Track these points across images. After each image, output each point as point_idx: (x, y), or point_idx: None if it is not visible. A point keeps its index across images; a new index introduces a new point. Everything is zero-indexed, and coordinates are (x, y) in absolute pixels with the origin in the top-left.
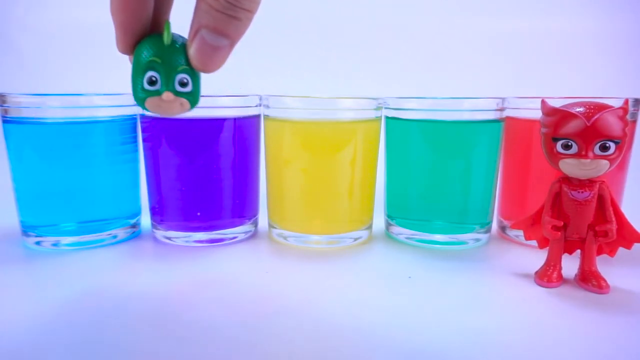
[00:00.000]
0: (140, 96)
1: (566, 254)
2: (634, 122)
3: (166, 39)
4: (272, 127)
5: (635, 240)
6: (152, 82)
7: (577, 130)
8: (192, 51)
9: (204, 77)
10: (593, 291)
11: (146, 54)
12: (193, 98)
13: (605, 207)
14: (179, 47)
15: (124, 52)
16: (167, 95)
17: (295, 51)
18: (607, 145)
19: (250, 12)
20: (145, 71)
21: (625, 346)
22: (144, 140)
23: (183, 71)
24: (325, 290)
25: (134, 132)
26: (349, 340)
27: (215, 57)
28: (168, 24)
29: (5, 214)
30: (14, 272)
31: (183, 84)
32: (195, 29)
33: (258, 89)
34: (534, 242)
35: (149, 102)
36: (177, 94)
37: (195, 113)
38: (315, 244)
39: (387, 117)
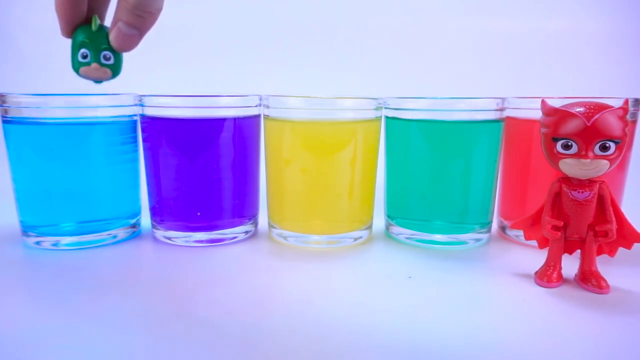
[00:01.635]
0: (76, 66)
1: (566, 254)
2: (634, 122)
3: (93, 27)
4: (272, 127)
5: (635, 240)
6: (84, 57)
7: (577, 130)
8: (111, 36)
9: (203, 78)
10: (593, 291)
11: (80, 36)
12: (114, 68)
13: (605, 207)
14: (103, 33)
15: (66, 36)
16: (95, 66)
17: (295, 51)
18: (607, 145)
19: (152, 13)
20: (79, 48)
21: (625, 346)
22: (144, 140)
23: (106, 49)
24: (325, 290)
25: (134, 132)
26: (349, 340)
27: (128, 41)
28: (95, 17)
29: (5, 214)
30: (14, 272)
31: (106, 58)
32: (115, 21)
33: (258, 89)
34: (534, 242)
35: (82, 69)
36: (102, 65)
37: (196, 113)
38: (315, 244)
39: (387, 117)
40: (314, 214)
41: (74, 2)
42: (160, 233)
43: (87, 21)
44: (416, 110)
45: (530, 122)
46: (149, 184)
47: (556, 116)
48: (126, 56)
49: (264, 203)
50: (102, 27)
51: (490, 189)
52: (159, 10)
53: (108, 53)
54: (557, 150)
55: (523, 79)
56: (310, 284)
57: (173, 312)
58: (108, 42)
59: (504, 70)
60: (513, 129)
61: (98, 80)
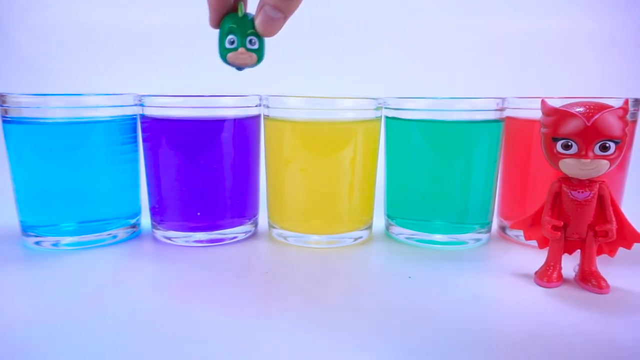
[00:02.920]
0: (224, 53)
1: (566, 254)
2: (634, 122)
3: (240, 13)
4: (272, 127)
5: (635, 240)
6: (231, 42)
7: (577, 130)
8: (257, 21)
9: (203, 78)
10: (593, 291)
11: (228, 23)
12: (259, 53)
13: (605, 207)
14: (249, 19)
15: (214, 27)
16: (241, 50)
17: (295, 51)
18: (607, 145)
19: None
20: (227, 35)
21: (625, 346)
22: (144, 140)
23: (251, 34)
24: (325, 290)
25: (134, 132)
26: (348, 340)
27: (273, 25)
28: (241, 4)
29: (5, 214)
30: (14, 272)
31: (252, 43)
32: (261, 5)
33: (258, 89)
34: (534, 242)
35: (230, 56)
36: (248, 49)
37: (196, 113)
38: (315, 244)
39: (387, 117)
40: (314, 214)
41: None
42: (160, 233)
43: (233, 10)
44: (416, 110)
45: (530, 122)
46: (149, 184)
47: (556, 116)
48: (126, 56)
49: (264, 203)
50: (246, 14)
51: (490, 189)
52: None
53: (254, 38)
54: (557, 150)
55: (523, 79)
56: (310, 284)
57: (173, 312)
58: (253, 27)
59: (504, 70)
60: (513, 129)
61: (241, 67)
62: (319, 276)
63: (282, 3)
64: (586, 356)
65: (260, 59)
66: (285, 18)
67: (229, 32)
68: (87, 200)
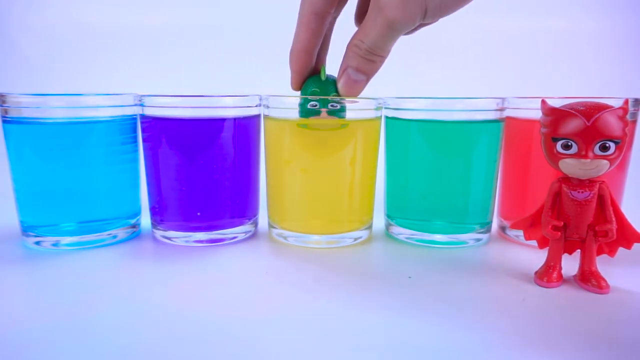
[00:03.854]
0: (307, 116)
1: (566, 254)
2: (634, 122)
3: (322, 76)
4: (272, 127)
5: (635, 240)
6: (313, 106)
7: (577, 130)
8: (340, 84)
9: (203, 78)
10: (593, 291)
11: (311, 87)
12: (341, 115)
13: (605, 207)
14: (330, 81)
15: (296, 89)
16: (324, 115)
17: None
18: (607, 145)
19: (383, 57)
20: (309, 100)
21: (625, 346)
22: (144, 140)
23: (333, 97)
24: (325, 290)
25: (134, 132)
26: (349, 340)
27: (356, 88)
28: (324, 67)
29: (5, 214)
30: (14, 272)
31: (334, 106)
32: (343, 68)
33: (258, 89)
34: (534, 242)
35: (312, 119)
36: (329, 113)
37: (196, 113)
38: (315, 244)
39: (387, 117)
40: (314, 214)
41: (311, 55)
42: (160, 233)
43: (314, 72)
44: (416, 110)
45: (530, 122)
46: (149, 184)
47: (556, 116)
48: (126, 56)
49: (264, 203)
50: (328, 77)
51: (490, 189)
52: (389, 53)
53: (335, 102)
54: (557, 150)
55: (523, 79)
56: (310, 284)
57: (173, 312)
58: (335, 90)
59: (504, 70)
60: (513, 129)
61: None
62: (319, 276)
63: (365, 66)
64: (586, 356)
65: (342, 119)
66: (368, 80)
67: (312, 96)
68: (87, 200)
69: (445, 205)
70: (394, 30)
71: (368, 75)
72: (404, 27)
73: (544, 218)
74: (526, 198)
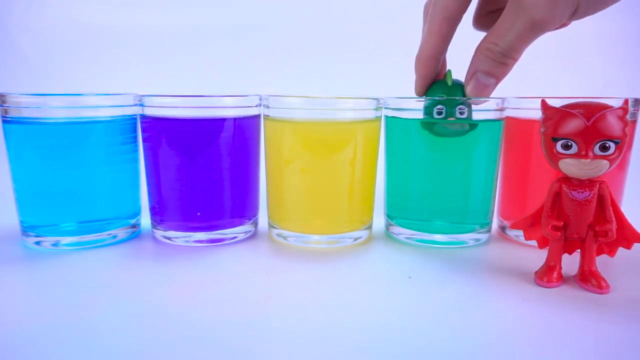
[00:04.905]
0: (432, 122)
1: (566, 254)
2: (634, 122)
3: (449, 82)
4: (272, 127)
5: (635, 240)
6: (439, 113)
7: (577, 130)
8: (469, 89)
9: (203, 78)
10: (593, 291)
11: (438, 92)
12: (469, 121)
13: (605, 207)
14: (457, 86)
15: (420, 94)
16: (450, 122)
17: (295, 51)
18: (607, 145)
19: (515, 60)
20: (436, 104)
21: (625, 346)
22: (144, 140)
23: (461, 103)
24: (325, 290)
25: (134, 132)
26: (349, 340)
27: (485, 92)
28: (449, 72)
29: (5, 214)
30: (14, 272)
31: (461, 112)
32: (472, 72)
33: (258, 89)
34: (534, 242)
35: (438, 127)
36: (457, 120)
37: (196, 113)
38: (315, 244)
39: (387, 117)
40: (314, 214)
41: (438, 61)
42: (160, 233)
43: (439, 77)
44: (416, 110)
45: (530, 122)
46: (149, 184)
47: (556, 116)
48: (126, 56)
49: (264, 203)
50: (454, 81)
51: (490, 189)
52: (520, 55)
53: (463, 107)
54: (557, 150)
55: (523, 79)
56: (310, 284)
57: (173, 312)
58: (462, 95)
59: None
60: (513, 129)
61: (452, 132)
62: (319, 276)
63: (497, 69)
64: (586, 356)
65: (470, 126)
66: (497, 83)
67: (438, 102)
68: (87, 200)
69: (445, 205)
70: (537, 31)
71: (498, 78)
72: (549, 28)
73: (544, 218)
74: (526, 198)
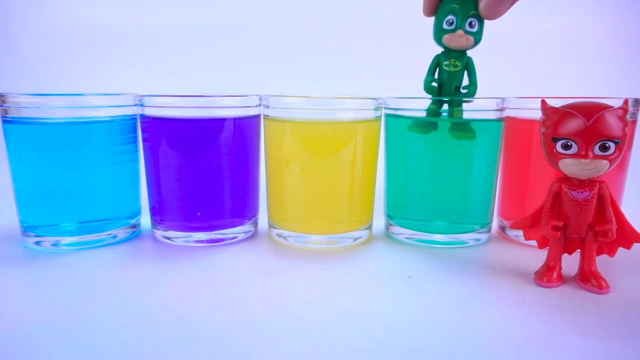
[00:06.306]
0: (439, 35)
1: (566, 254)
2: (634, 122)
3: None
4: (272, 127)
5: (635, 240)
6: (450, 24)
7: (577, 130)
8: (483, 3)
9: (203, 78)
10: (593, 291)
11: (450, 3)
12: (477, 36)
13: (605, 207)
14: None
15: (429, 14)
16: (460, 32)
17: (295, 51)
18: (607, 145)
19: None
20: (446, 15)
21: (625, 346)
22: (144, 140)
23: (472, 16)
24: (325, 290)
25: (134, 132)
26: (349, 340)
27: (499, 8)
28: None
29: (5, 214)
30: (14, 272)
31: (471, 26)
32: None
33: (258, 89)
34: (534, 242)
35: (446, 37)
36: (466, 32)
37: (196, 113)
38: (315, 244)
39: (387, 117)
40: (314, 214)
41: None
42: (160, 233)
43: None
44: (416, 110)
45: (530, 122)
46: (149, 184)
47: (556, 116)
48: (126, 56)
49: (264, 203)
50: None
51: (490, 189)
52: None
53: (474, 20)
54: (557, 150)
55: (523, 79)
56: (310, 284)
57: (173, 312)
58: (475, 9)
59: (504, 70)
60: (513, 129)
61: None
62: (319, 276)
63: None
64: (586, 356)
65: (477, 42)
66: (514, 1)
67: (449, 13)
68: (87, 200)
69: (445, 205)
70: None
71: None
72: None
73: (543, 218)
74: (526, 198)
